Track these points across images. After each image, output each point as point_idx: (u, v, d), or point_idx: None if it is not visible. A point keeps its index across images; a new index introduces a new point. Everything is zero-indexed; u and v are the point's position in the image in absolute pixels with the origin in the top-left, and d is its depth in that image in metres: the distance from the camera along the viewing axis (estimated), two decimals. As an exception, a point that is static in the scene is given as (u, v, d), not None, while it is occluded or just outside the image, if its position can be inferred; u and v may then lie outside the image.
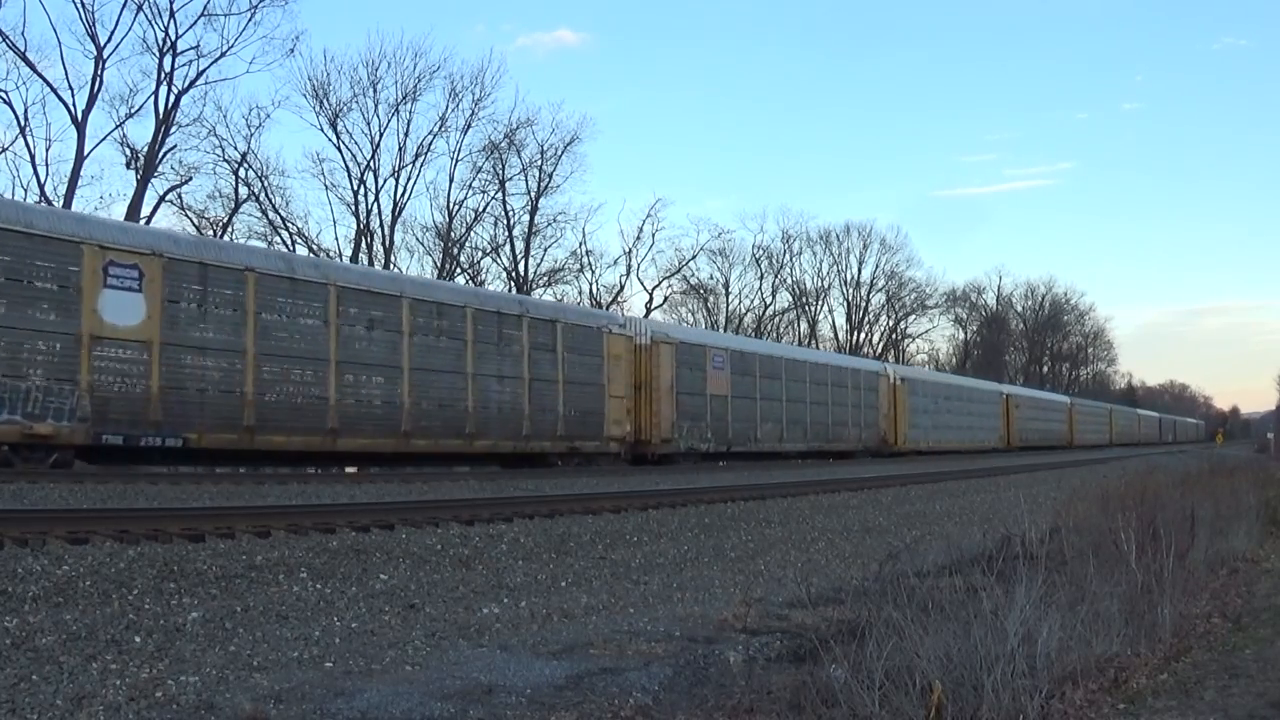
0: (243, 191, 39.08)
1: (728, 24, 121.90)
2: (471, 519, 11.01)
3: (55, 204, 31.24)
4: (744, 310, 65.17)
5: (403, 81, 42.89)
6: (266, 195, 39.91)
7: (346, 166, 42.21)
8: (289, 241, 40.00)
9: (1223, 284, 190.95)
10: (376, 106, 42.27)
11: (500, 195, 46.86)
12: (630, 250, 54.77)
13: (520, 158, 46.99)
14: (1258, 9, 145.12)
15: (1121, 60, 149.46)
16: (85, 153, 32.91)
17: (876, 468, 31.04)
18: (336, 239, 43.28)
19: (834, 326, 73.86)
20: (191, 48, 34.83)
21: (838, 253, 72.46)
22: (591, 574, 9.18)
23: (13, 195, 31.70)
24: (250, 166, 38.87)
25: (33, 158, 32.87)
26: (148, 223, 33.06)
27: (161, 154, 34.99)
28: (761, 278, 66.34)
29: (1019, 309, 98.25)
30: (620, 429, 25.37)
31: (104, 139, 37.72)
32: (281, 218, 40.32)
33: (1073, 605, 6.19)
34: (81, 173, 32.75)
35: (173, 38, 34.19)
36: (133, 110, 34.47)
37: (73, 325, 15.13)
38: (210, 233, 36.92)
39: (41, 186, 32.71)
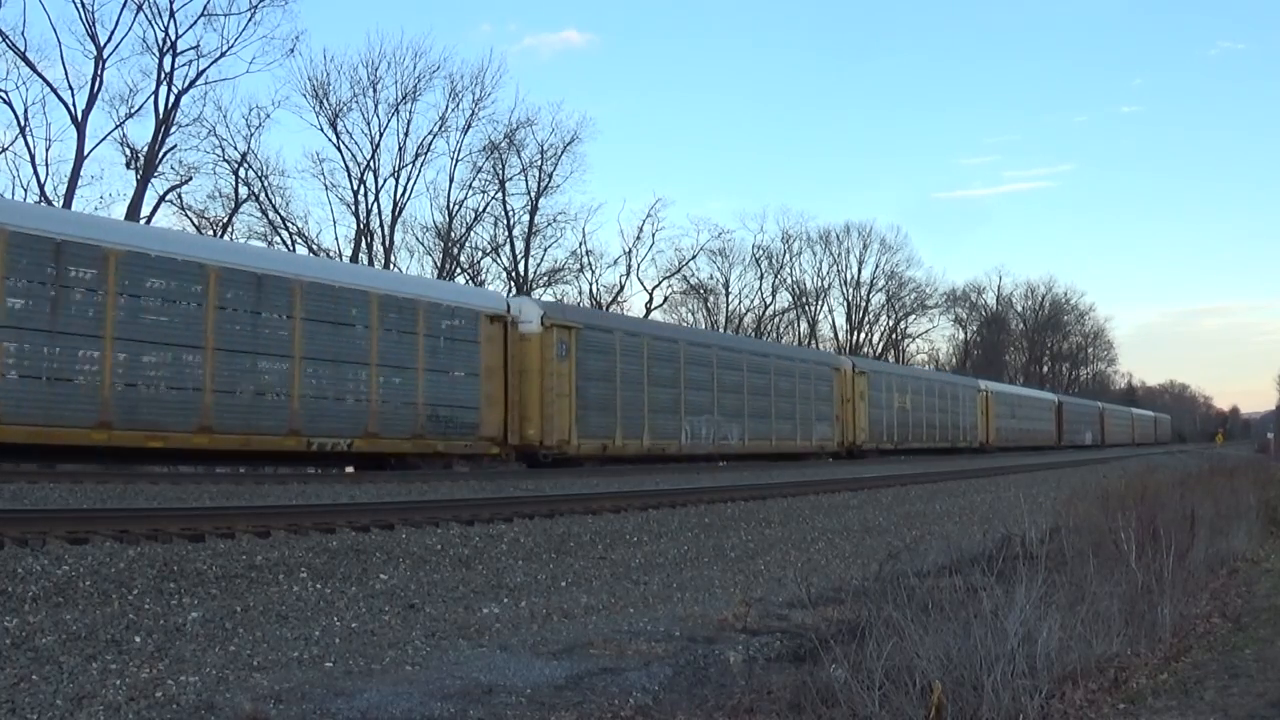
0: (243, 191, 39.06)
1: (729, 25, 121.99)
2: (471, 519, 11.01)
3: (55, 204, 31.23)
4: (744, 310, 65.16)
5: (403, 81, 42.85)
6: (266, 195, 39.90)
7: (346, 166, 42.19)
8: (289, 241, 40.05)
9: (1223, 284, 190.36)
10: (376, 106, 42.24)
11: (500, 195, 46.85)
12: (630, 250, 54.68)
13: (520, 158, 46.96)
14: (1254, 13, 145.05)
15: (1120, 63, 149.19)
16: (85, 153, 32.85)
17: (878, 468, 31.02)
18: (336, 239, 43.27)
19: (834, 326, 73.87)
20: (191, 48, 34.77)
21: (838, 253, 72.44)
22: (591, 574, 9.18)
23: (13, 195, 31.72)
24: (250, 166, 38.85)
25: (33, 158, 32.80)
26: (148, 222, 33.07)
27: (161, 154, 34.97)
28: (761, 278, 66.30)
29: (1019, 309, 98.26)
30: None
31: (104, 139, 37.65)
32: (281, 218, 40.32)
33: (1073, 605, 6.19)
34: (81, 173, 32.67)
35: (173, 38, 34.14)
36: (133, 110, 34.42)
37: None
38: (210, 233, 36.93)
39: (41, 186, 32.69)
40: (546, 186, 47.73)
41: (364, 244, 42.36)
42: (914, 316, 79.19)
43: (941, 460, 39.46)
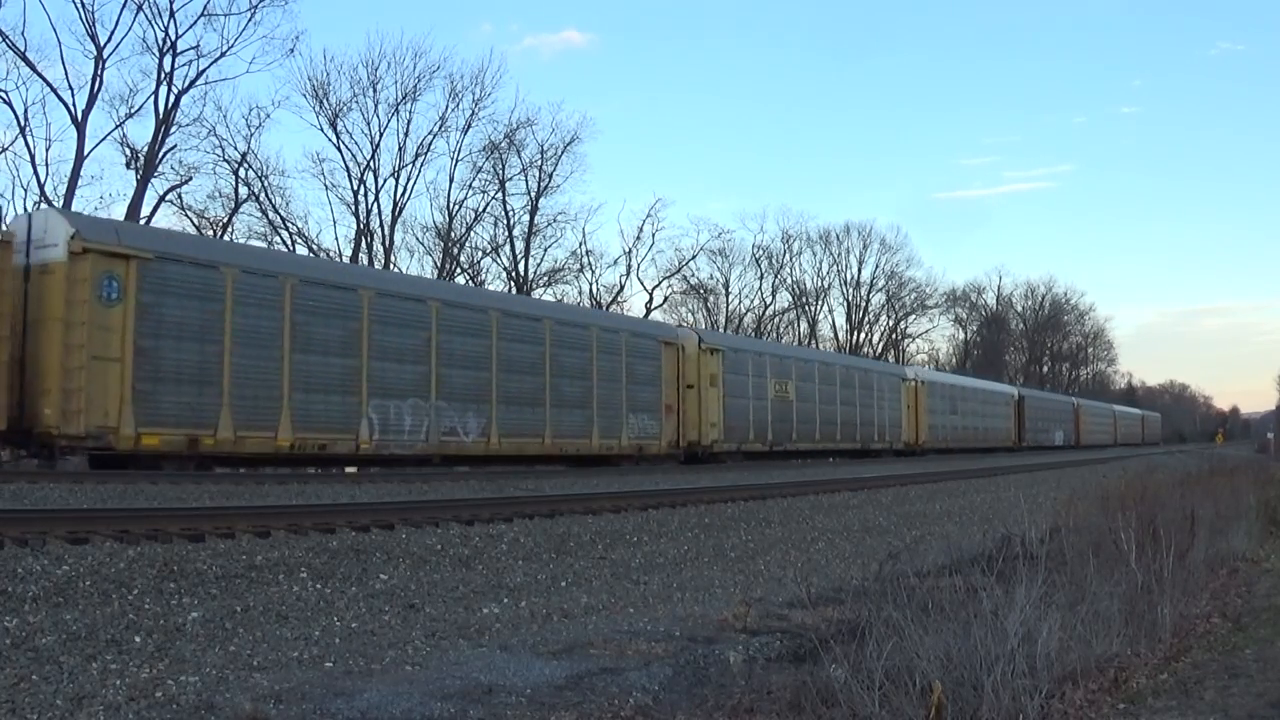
0: (243, 191, 39.12)
1: (729, 25, 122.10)
2: (471, 519, 11.01)
3: (55, 204, 31.23)
4: (744, 310, 65.23)
5: (403, 81, 42.94)
6: (266, 195, 39.95)
7: (346, 166, 42.25)
8: (289, 241, 40.06)
9: (1223, 284, 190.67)
10: (376, 106, 42.32)
11: (500, 195, 46.92)
12: (630, 250, 54.72)
13: (520, 158, 47.05)
14: (1254, 14, 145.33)
15: (1120, 64, 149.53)
16: (85, 153, 32.90)
17: (879, 467, 31.01)
18: (336, 239, 43.36)
19: (834, 326, 74.01)
20: (191, 48, 34.82)
21: (838, 253, 72.50)
22: (591, 574, 9.18)
23: (12, 195, 31.72)
24: (250, 166, 38.90)
25: (33, 158, 32.83)
26: (148, 222, 33.07)
27: (161, 154, 34.99)
28: (761, 278, 66.31)
29: (1019, 309, 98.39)
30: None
31: (104, 139, 37.66)
32: (281, 218, 40.37)
33: (1073, 605, 6.19)
34: (81, 173, 32.73)
35: (173, 38, 34.18)
36: (133, 110, 34.46)
37: None
38: (211, 233, 36.95)
39: (41, 187, 32.72)
40: (546, 186, 47.85)
41: (364, 244, 42.41)
42: (914, 316, 79.37)
43: (950, 461, 39.34)
